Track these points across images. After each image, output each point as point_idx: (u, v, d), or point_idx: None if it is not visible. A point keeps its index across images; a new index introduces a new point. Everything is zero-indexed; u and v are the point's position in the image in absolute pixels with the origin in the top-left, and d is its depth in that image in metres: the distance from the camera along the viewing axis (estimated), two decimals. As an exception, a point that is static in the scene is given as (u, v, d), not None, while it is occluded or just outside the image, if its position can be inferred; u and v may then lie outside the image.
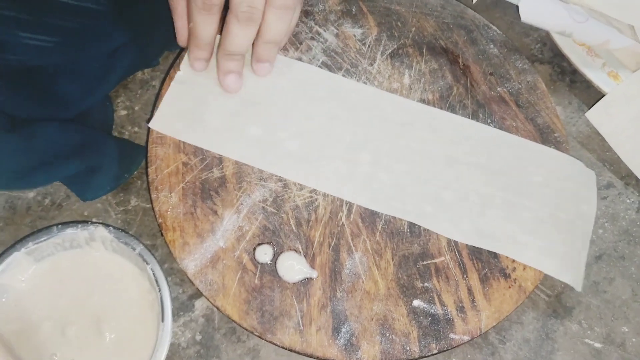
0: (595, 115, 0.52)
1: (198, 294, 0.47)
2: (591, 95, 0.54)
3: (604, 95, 0.52)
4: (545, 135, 0.48)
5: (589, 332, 0.47)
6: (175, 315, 0.46)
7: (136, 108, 0.54)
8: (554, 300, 0.48)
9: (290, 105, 0.48)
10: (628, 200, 0.52)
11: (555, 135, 0.48)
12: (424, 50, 0.51)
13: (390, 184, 0.45)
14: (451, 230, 0.44)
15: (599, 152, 0.53)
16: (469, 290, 0.42)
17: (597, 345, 0.46)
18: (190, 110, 0.47)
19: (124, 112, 0.53)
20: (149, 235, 0.49)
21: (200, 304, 0.46)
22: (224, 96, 0.47)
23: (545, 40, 0.58)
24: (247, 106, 0.47)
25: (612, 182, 0.52)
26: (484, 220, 0.44)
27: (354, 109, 0.48)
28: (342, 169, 0.46)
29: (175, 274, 0.47)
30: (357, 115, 0.48)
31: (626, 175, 0.53)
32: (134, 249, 0.44)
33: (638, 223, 0.51)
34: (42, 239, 0.44)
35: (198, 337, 0.45)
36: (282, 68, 0.49)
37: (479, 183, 0.46)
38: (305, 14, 0.51)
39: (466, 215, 0.45)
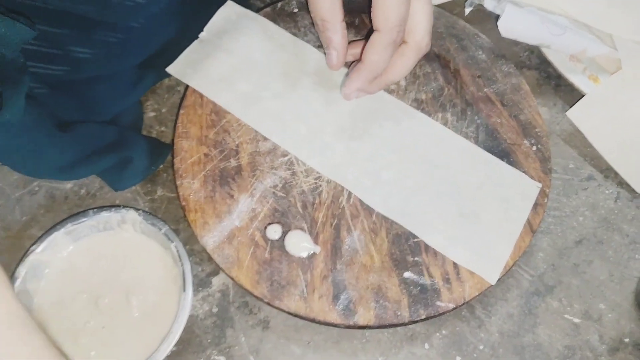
0: (576, 113, 0.57)
1: (215, 272, 0.52)
2: (574, 97, 0.59)
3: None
4: (527, 130, 0.53)
5: (568, 308, 0.51)
6: (195, 290, 0.51)
7: (163, 110, 0.60)
8: (536, 279, 0.52)
9: (280, 71, 0.55)
10: (607, 191, 0.56)
11: (536, 130, 0.53)
12: (419, 56, 0.57)
13: (340, 155, 0.51)
14: (380, 204, 0.49)
15: (580, 148, 0.58)
16: (454, 264, 0.47)
17: (576, 320, 0.51)
18: (200, 62, 0.55)
19: (152, 114, 0.60)
20: (173, 221, 0.54)
21: (217, 281, 0.52)
22: (228, 54, 0.55)
23: (532, 48, 0.64)
24: (246, 65, 0.55)
25: (593, 175, 0.57)
26: (411, 202, 0.49)
27: (334, 87, 0.54)
28: (303, 133, 0.52)
29: (195, 254, 0.53)
30: (333, 92, 0.54)
31: (606, 169, 0.57)
32: (160, 229, 0.50)
33: (616, 211, 0.55)
34: (80, 220, 0.50)
35: (214, 310, 0.51)
36: (287, 44, 0.56)
37: (418, 171, 0.51)
38: (313, 25, 0.57)
39: (397, 195, 0.50)
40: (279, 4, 0.59)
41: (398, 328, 0.49)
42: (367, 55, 0.49)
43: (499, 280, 0.47)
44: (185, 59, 0.55)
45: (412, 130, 0.53)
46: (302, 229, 0.48)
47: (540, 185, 0.50)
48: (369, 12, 0.47)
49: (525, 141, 0.52)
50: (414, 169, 0.51)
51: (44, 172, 0.52)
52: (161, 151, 0.56)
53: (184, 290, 0.47)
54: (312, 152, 0.52)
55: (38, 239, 0.50)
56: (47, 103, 0.49)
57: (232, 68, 0.55)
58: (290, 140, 0.52)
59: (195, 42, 0.56)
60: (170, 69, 0.55)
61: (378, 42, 0.47)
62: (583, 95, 0.58)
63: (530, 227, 0.48)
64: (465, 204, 0.49)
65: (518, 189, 0.50)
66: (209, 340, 0.49)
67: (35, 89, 0.48)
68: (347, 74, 0.54)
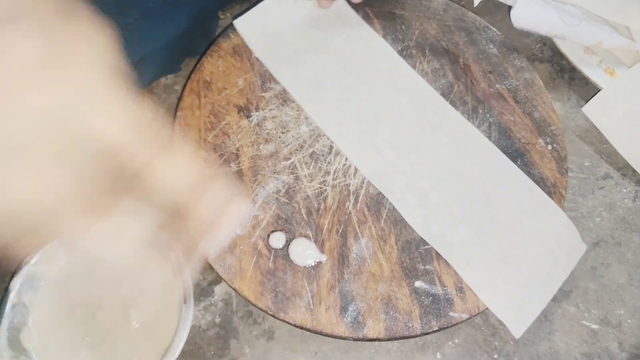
0: (592, 109, 0.54)
1: (217, 280, 0.50)
2: (589, 91, 0.57)
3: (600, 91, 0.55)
4: (541, 128, 0.51)
5: (586, 314, 0.49)
6: (196, 300, 0.49)
7: (160, 111, 0.58)
8: (552, 284, 0.50)
9: (350, 63, 0.52)
10: (624, 190, 0.54)
11: (551, 128, 0.51)
12: (427, 51, 0.54)
13: (390, 165, 0.49)
14: (420, 225, 0.46)
15: (596, 145, 0.56)
16: (468, 272, 0.45)
17: (594, 326, 0.49)
18: (271, 27, 0.52)
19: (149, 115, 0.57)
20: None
21: (219, 290, 0.50)
22: (303, 30, 0.53)
23: (545, 40, 0.61)
24: (317, 47, 0.52)
25: (609, 173, 0.55)
26: (453, 232, 0.46)
27: (400, 91, 0.52)
28: (358, 133, 0.50)
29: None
30: (396, 96, 0.51)
31: (623, 167, 0.55)
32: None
33: (634, 211, 0.53)
34: (75, 229, 0.48)
35: (217, 320, 0.49)
36: (364, 37, 0.54)
37: (470, 201, 0.47)
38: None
39: (440, 221, 0.46)
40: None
41: (408, 338, 0.47)
42: None
43: (514, 287, 0.45)
44: (257, 16, 0.52)
45: (475, 156, 0.49)
46: (307, 236, 0.46)
47: (585, 248, 0.47)
48: None
49: (540, 140, 0.50)
50: (467, 197, 0.47)
51: None
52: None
53: (185, 303, 0.45)
54: (362, 155, 0.49)
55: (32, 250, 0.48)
56: None
57: (302, 47, 0.52)
58: (343, 139, 0.50)
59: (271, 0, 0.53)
60: (237, 23, 0.52)
61: None
62: (598, 89, 0.55)
63: (547, 232, 0.46)
64: (511, 249, 0.46)
65: (568, 247, 0.47)
66: (212, 352, 0.47)
67: None
68: None
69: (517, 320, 0.44)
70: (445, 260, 0.45)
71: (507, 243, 0.46)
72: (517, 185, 0.48)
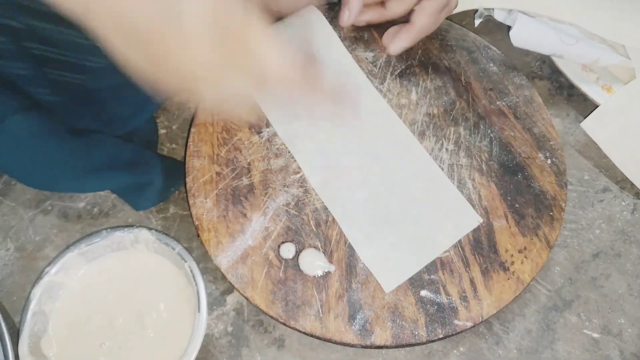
0: (590, 124, 0.56)
1: (229, 290, 0.52)
2: (587, 107, 0.59)
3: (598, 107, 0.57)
4: (541, 143, 0.53)
5: (587, 323, 0.50)
6: (209, 309, 0.51)
7: (174, 127, 0.60)
8: (554, 294, 0.51)
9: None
10: (623, 203, 0.56)
11: (550, 143, 0.53)
12: (430, 70, 0.56)
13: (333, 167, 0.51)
14: (319, 185, 0.50)
15: (595, 159, 0.58)
16: (471, 282, 0.46)
17: (595, 335, 0.50)
18: None
19: (163, 131, 0.60)
20: (186, 239, 0.54)
21: (231, 299, 0.52)
22: None
23: (544, 58, 0.63)
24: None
25: (608, 186, 0.56)
26: (347, 193, 0.50)
27: (370, 129, 0.53)
28: (311, 149, 0.52)
29: (209, 272, 0.53)
30: (371, 138, 0.52)
31: (621, 180, 0.57)
32: (173, 249, 0.49)
33: (633, 223, 0.55)
34: (94, 241, 0.50)
35: (229, 329, 0.51)
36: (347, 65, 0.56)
37: (374, 171, 0.51)
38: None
39: (339, 183, 0.50)
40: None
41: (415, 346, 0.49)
42: (417, 19, 0.52)
43: (516, 295, 0.46)
44: None
45: (389, 138, 0.52)
46: (316, 247, 0.48)
47: (480, 220, 0.49)
48: None
49: (540, 154, 0.52)
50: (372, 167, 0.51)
51: (54, 182, 0.50)
52: (180, 172, 0.56)
53: (199, 311, 0.47)
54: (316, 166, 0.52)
55: (52, 261, 0.50)
56: (62, 112, 0.48)
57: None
58: (300, 155, 0.52)
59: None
60: None
61: (429, 7, 0.51)
62: (596, 105, 0.57)
63: (547, 243, 0.48)
64: (397, 213, 0.49)
65: (456, 218, 0.49)
66: (224, 360, 0.49)
67: (47, 96, 0.47)
68: (386, 33, 0.56)
69: (389, 277, 0.46)
70: (450, 270, 0.47)
71: (395, 207, 0.49)
72: (415, 161, 0.51)
